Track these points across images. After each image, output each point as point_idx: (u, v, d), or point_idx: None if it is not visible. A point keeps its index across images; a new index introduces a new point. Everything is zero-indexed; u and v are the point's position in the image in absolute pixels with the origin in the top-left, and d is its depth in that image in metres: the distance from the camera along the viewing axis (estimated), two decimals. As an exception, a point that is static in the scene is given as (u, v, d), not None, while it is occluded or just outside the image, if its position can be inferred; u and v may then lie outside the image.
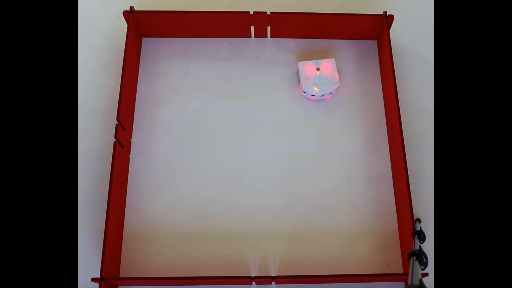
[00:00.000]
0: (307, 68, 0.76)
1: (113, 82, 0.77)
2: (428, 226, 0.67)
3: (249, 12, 0.76)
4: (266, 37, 0.82)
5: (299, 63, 0.76)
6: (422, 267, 0.51)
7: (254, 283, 0.64)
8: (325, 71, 0.75)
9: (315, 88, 0.74)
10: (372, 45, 0.81)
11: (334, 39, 0.81)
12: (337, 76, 0.75)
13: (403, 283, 0.65)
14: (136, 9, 0.76)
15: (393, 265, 0.66)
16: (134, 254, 0.67)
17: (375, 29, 0.79)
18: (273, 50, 0.81)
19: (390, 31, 0.76)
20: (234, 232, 0.68)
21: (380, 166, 0.73)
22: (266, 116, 0.76)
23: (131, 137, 0.74)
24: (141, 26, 0.79)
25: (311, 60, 0.77)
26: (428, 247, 0.66)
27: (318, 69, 0.75)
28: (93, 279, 0.59)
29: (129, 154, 0.73)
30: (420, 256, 0.52)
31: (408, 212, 0.63)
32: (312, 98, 0.76)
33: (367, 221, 0.69)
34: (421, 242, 0.59)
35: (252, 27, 0.80)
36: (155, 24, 0.79)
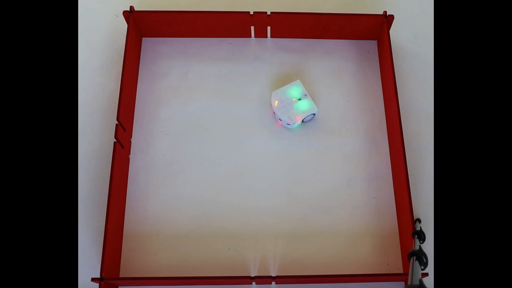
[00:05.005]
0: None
1: (113, 82, 0.77)
2: (428, 226, 0.67)
3: (249, 12, 0.76)
4: (266, 37, 0.82)
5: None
6: (422, 267, 0.52)
7: (254, 283, 0.64)
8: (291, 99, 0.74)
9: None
10: (372, 45, 0.81)
11: (334, 39, 0.81)
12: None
13: (403, 283, 0.65)
14: (136, 9, 0.76)
15: (393, 265, 0.66)
16: (134, 254, 0.67)
17: (375, 29, 0.79)
18: (273, 50, 0.81)
19: (390, 31, 0.76)
20: (234, 232, 0.68)
21: (380, 166, 0.73)
22: (266, 116, 0.76)
23: (131, 137, 0.74)
24: (141, 26, 0.79)
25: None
26: (428, 247, 0.66)
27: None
28: (93, 279, 0.59)
29: (129, 154, 0.73)
30: (420, 256, 0.52)
31: (408, 212, 0.63)
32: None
33: (367, 221, 0.69)
34: (421, 242, 0.59)
35: (252, 27, 0.80)
36: (155, 24, 0.79)
